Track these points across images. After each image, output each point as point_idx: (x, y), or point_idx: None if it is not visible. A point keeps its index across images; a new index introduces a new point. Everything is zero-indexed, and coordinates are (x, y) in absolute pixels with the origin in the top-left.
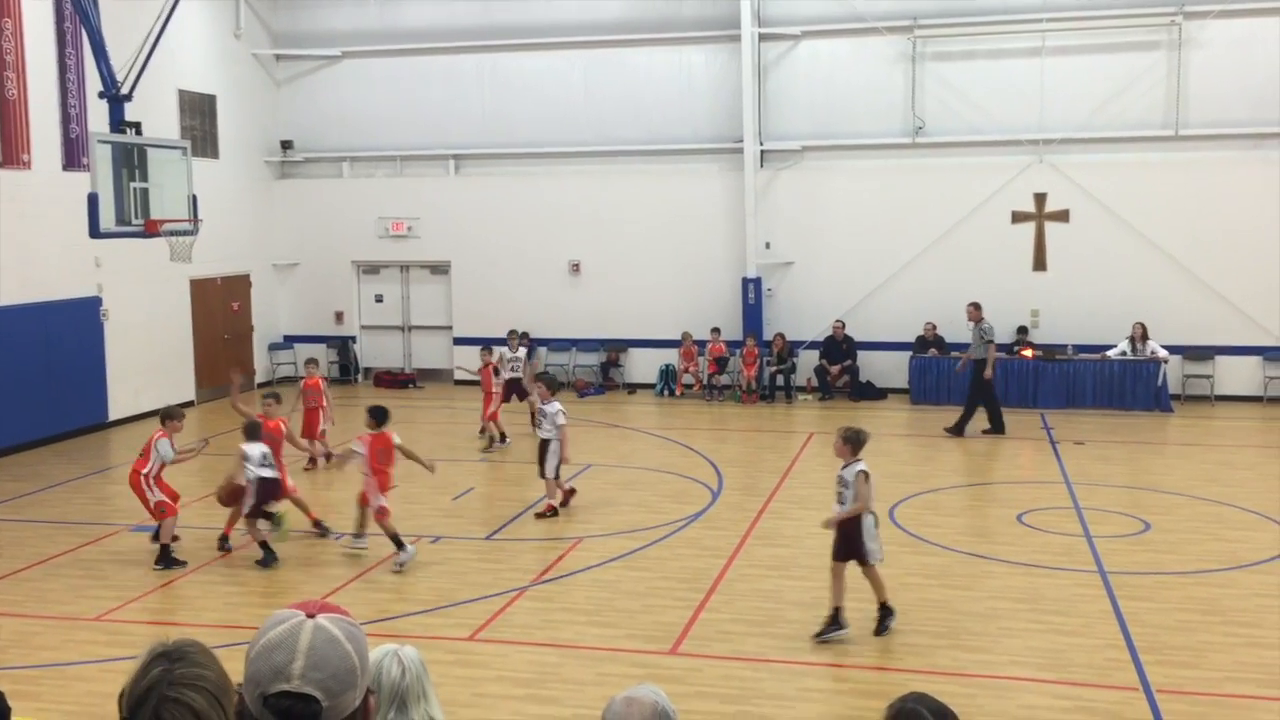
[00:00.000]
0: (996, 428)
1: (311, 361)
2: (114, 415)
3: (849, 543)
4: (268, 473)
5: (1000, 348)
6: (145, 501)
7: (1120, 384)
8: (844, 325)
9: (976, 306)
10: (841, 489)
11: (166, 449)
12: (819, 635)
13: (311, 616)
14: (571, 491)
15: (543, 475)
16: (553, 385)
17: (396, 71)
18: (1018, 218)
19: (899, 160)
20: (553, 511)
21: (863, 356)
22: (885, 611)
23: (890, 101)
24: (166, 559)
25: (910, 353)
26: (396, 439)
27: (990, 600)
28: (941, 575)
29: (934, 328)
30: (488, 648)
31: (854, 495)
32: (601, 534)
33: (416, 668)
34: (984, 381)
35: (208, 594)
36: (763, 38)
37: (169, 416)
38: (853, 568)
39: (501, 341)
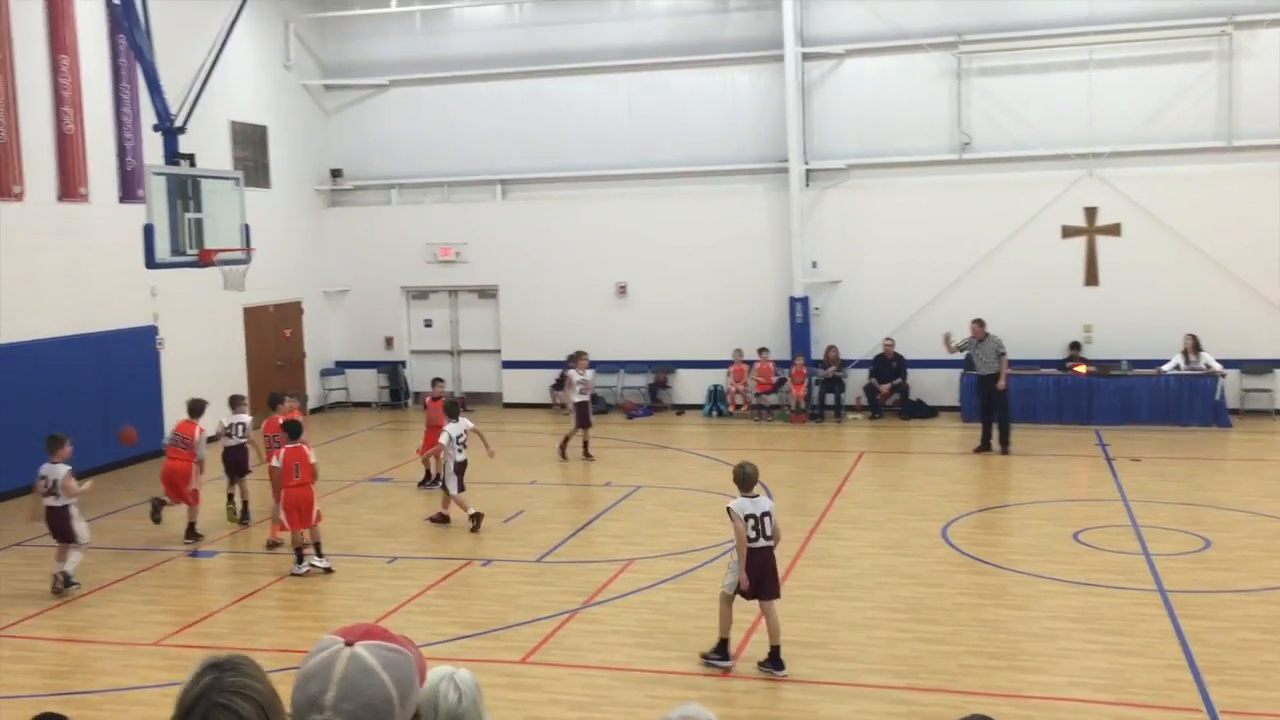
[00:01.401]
0: (1003, 446)
1: (439, 380)
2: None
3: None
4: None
5: (1053, 364)
6: (184, 494)
7: (1176, 399)
8: (894, 343)
9: (980, 323)
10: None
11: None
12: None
13: (350, 645)
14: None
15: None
16: (453, 410)
17: (443, 99)
18: (1068, 232)
19: (946, 177)
20: (443, 519)
21: (913, 374)
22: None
23: (936, 118)
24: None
25: (961, 370)
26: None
27: (1047, 620)
28: (997, 595)
29: None
30: (540, 670)
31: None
32: (652, 556)
33: (472, 692)
34: (1004, 394)
35: (261, 619)
36: (806, 57)
37: (198, 412)
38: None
39: (560, 365)
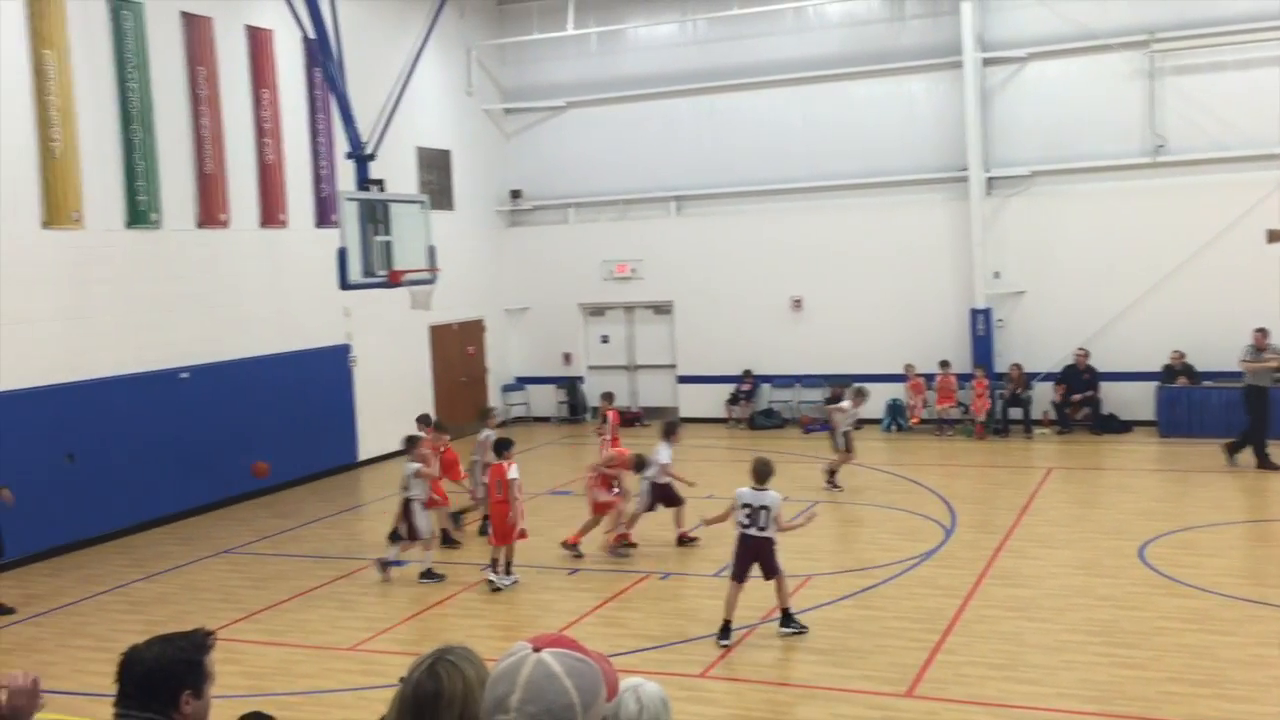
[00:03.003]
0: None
1: (607, 395)
2: (363, 455)
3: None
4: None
5: None
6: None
7: None
8: (1087, 354)
9: (1263, 333)
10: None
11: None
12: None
13: (537, 650)
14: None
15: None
16: (669, 431)
17: (618, 118)
18: (1275, 237)
19: (1138, 181)
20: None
21: (1105, 387)
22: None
23: (1126, 120)
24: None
25: (1157, 383)
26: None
27: (1256, 647)
28: (1201, 619)
29: (1182, 356)
30: (720, 685)
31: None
32: (831, 571)
33: (655, 706)
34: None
35: (450, 626)
36: (986, 62)
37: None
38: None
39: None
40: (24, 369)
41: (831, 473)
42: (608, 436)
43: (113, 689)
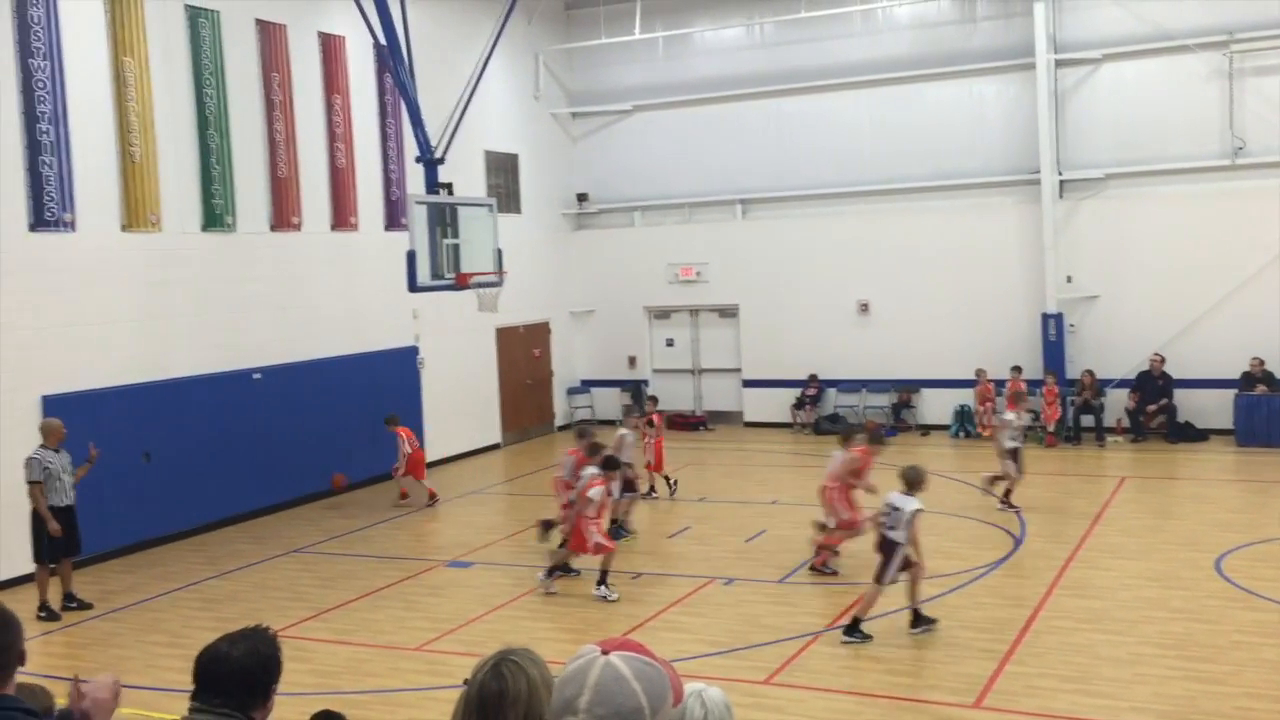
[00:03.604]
0: None
1: (651, 399)
2: (431, 457)
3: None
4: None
5: None
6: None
7: None
8: (1163, 360)
9: None
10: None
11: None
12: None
13: (606, 653)
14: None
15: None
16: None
17: (684, 121)
18: None
19: (1216, 184)
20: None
21: (1181, 395)
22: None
23: (1204, 122)
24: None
25: (1235, 390)
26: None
27: None
28: None
29: (1261, 363)
30: (784, 692)
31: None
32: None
33: (720, 711)
34: None
35: (515, 629)
36: (1059, 64)
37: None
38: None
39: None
40: (104, 368)
41: (1007, 491)
42: (650, 439)
43: (186, 684)
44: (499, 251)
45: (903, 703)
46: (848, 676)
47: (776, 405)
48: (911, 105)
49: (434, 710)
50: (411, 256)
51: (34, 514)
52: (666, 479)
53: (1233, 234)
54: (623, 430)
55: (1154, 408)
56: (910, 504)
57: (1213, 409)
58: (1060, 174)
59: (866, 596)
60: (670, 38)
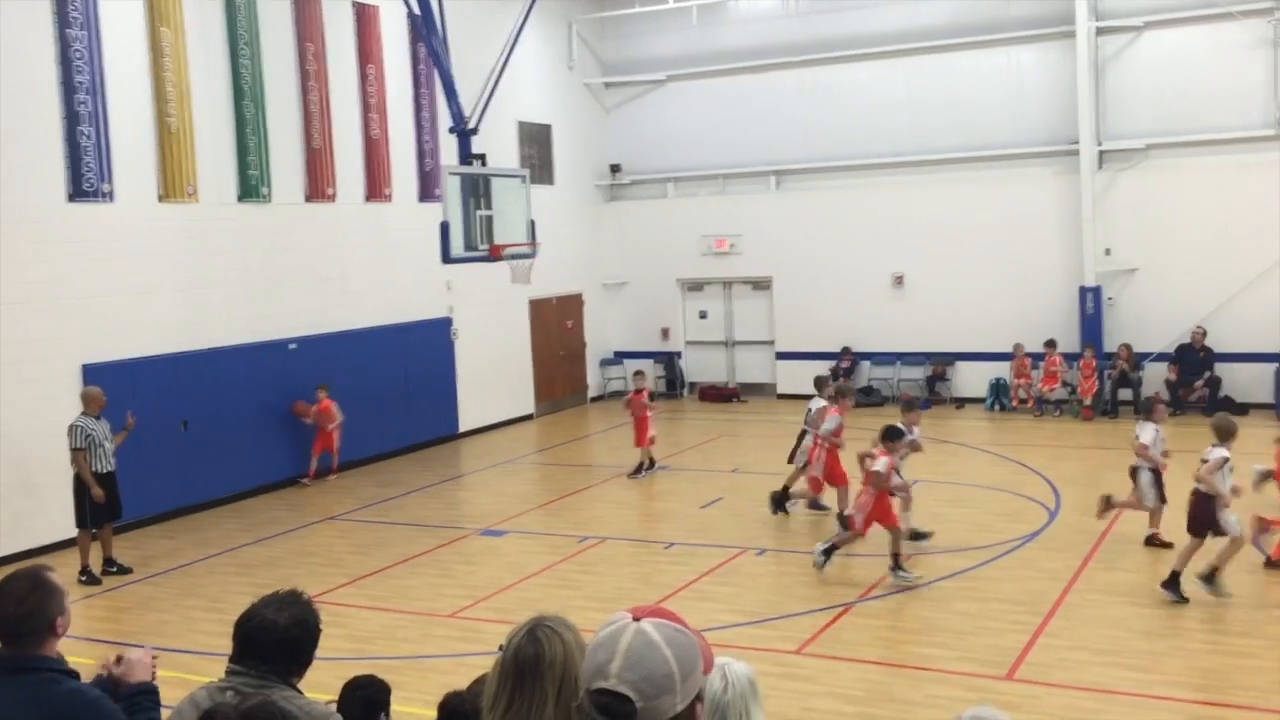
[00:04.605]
0: None
1: (638, 373)
2: (464, 427)
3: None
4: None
5: None
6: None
7: None
8: (1204, 333)
9: None
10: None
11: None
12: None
13: (637, 620)
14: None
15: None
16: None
17: (717, 92)
18: None
19: (1260, 155)
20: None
21: (1221, 368)
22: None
23: (1248, 91)
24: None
25: (1276, 364)
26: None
27: None
28: None
29: None
30: (816, 662)
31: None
32: (931, 551)
33: (742, 685)
34: None
35: (548, 596)
36: (1100, 32)
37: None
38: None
39: (833, 356)
40: (142, 337)
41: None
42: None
43: (224, 648)
44: (532, 223)
45: (934, 673)
46: (879, 647)
47: (810, 378)
48: (948, 74)
49: (467, 676)
50: (445, 228)
51: (77, 480)
52: (651, 459)
53: (1276, 206)
54: (818, 400)
55: (1200, 383)
56: (1217, 453)
57: (1253, 383)
58: (1100, 144)
59: (1223, 551)
60: (704, 6)
